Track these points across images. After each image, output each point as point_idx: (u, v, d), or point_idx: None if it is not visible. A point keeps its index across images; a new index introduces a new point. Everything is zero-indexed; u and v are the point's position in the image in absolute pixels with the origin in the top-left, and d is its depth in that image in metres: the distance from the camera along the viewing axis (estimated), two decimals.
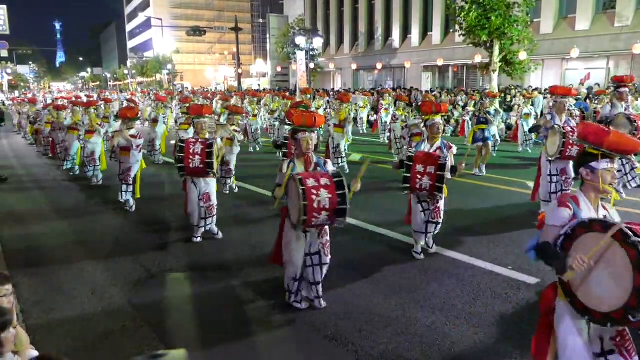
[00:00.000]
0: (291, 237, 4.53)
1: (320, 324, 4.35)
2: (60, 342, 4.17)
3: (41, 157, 15.39)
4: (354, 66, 36.63)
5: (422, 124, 9.14)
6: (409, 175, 5.48)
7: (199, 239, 6.64)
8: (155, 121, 13.58)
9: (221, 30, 52.43)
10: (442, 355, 3.83)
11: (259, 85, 48.31)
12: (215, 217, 6.68)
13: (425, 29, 31.99)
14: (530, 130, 7.93)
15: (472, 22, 19.11)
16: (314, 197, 4.06)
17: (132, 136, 7.90)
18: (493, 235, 6.62)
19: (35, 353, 2.91)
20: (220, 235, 6.77)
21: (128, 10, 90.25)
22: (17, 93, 62.02)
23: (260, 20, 67.60)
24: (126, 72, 76.06)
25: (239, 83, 39.80)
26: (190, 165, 6.24)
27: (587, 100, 16.71)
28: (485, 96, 12.43)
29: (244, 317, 4.56)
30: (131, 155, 8.02)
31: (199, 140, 6.37)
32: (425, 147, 5.80)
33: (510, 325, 4.26)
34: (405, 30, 33.44)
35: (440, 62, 29.26)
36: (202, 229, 6.63)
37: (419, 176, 5.45)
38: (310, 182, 4.13)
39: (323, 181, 4.18)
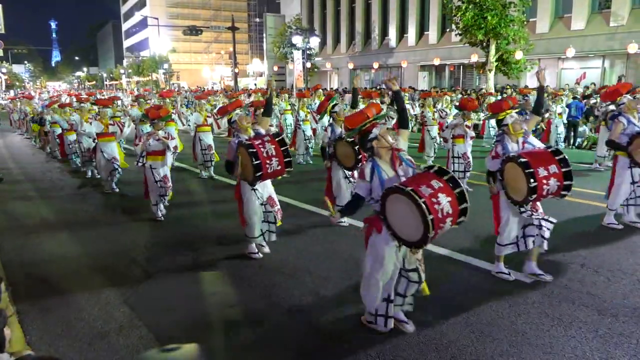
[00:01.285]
0: (384, 253, 3.88)
1: (317, 323, 4.35)
2: (57, 342, 4.16)
3: (38, 156, 15.32)
4: (351, 65, 36.64)
5: (464, 123, 8.98)
6: (535, 183, 4.54)
7: (263, 251, 6.06)
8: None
9: (218, 30, 52.46)
10: (439, 354, 3.83)
11: (255, 84, 48.26)
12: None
13: (422, 28, 32.03)
14: (608, 145, 7.42)
15: (468, 21, 19.15)
16: (436, 206, 3.44)
17: (163, 137, 7.42)
18: (489, 234, 6.62)
19: (31, 353, 2.89)
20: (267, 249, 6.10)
21: (124, 9, 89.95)
22: (12, 92, 61.76)
23: (257, 20, 67.58)
24: (122, 71, 75.85)
25: (236, 82, 39.74)
26: (269, 170, 5.28)
27: (583, 100, 16.75)
28: (524, 94, 12.22)
29: (240, 317, 4.56)
30: (166, 159, 7.51)
31: (264, 138, 5.42)
32: (511, 147, 5.01)
33: (507, 323, 4.27)
34: (402, 30, 33.48)
35: (437, 62, 29.32)
36: (270, 235, 5.92)
37: (544, 181, 4.61)
38: (425, 189, 3.47)
39: (435, 184, 3.55)
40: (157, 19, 50.31)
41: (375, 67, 34.33)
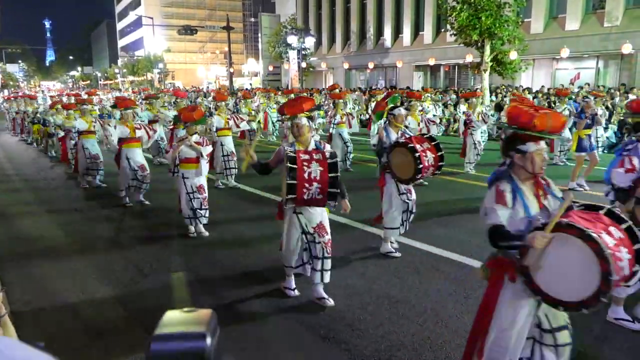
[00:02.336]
0: (519, 309, 2.89)
1: (314, 323, 4.35)
2: (51, 342, 4.14)
3: (39, 160, 15.22)
4: (346, 65, 36.66)
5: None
6: None
7: (326, 304, 4.69)
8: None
9: (213, 29, 52.43)
10: (434, 354, 3.84)
11: (250, 84, 48.22)
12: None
13: (417, 28, 32.09)
14: None
15: (463, 21, 19.22)
16: (619, 264, 2.48)
17: (197, 143, 6.63)
18: (485, 234, 6.62)
19: None
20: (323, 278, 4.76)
21: (119, 8, 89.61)
22: (6, 92, 61.46)
23: (252, 20, 67.37)
24: (117, 71, 75.60)
25: (231, 82, 39.72)
26: (305, 197, 4.27)
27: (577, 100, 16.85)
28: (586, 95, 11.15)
29: (237, 317, 4.56)
30: (200, 167, 6.69)
31: (314, 156, 4.34)
32: None
33: None
34: (397, 30, 33.52)
35: (431, 62, 29.36)
36: (319, 274, 4.65)
37: None
38: (607, 238, 2.52)
39: (615, 232, 2.59)
40: (151, 18, 50.20)
41: (371, 67, 34.37)
